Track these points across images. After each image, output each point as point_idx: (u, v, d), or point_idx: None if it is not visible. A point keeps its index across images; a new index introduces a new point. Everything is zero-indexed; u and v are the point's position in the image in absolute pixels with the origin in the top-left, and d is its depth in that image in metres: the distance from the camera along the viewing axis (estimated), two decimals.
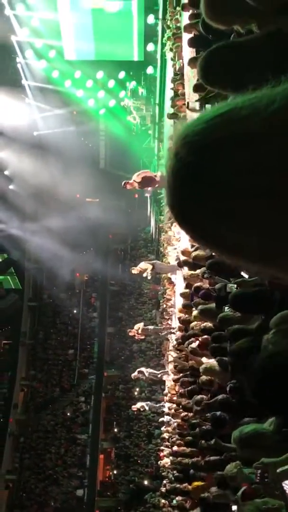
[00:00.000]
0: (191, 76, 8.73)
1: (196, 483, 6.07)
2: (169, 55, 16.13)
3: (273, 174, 0.66)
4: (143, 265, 13.64)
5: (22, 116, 28.92)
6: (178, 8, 13.31)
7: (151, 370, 18.18)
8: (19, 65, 28.42)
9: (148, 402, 19.65)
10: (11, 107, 27.92)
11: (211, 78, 1.83)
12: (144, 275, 13.62)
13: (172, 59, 14.60)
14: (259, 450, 2.99)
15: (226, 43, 1.62)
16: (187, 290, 8.27)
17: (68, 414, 31.35)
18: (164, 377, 16.62)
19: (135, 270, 13.73)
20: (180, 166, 0.72)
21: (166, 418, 13.82)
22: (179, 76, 12.78)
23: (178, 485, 8.99)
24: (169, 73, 17.83)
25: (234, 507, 3.32)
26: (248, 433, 2.97)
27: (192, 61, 7.32)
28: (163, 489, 14.86)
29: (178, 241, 14.03)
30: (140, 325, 15.30)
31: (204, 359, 6.59)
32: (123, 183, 11.05)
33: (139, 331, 15.27)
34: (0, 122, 28.39)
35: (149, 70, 27.05)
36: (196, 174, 0.71)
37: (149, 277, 14.01)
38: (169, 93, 17.43)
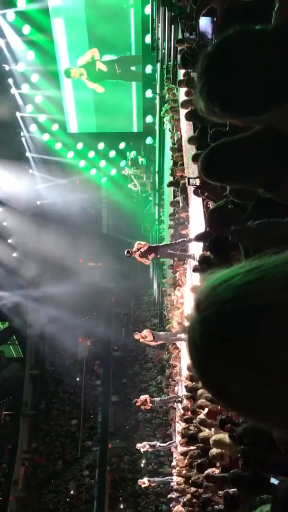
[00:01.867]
0: (189, 147, 9.09)
1: None
2: (167, 126, 16.90)
3: None
4: (146, 333, 13.39)
5: (26, 186, 29.85)
6: (174, 86, 14.10)
7: (157, 443, 17.38)
8: (23, 139, 29.72)
9: (154, 478, 18.64)
10: (15, 179, 28.88)
11: (213, 176, 1.94)
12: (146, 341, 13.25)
13: (170, 131, 15.25)
14: None
15: (225, 141, 1.72)
16: None
17: (72, 490, 29.70)
18: (172, 449, 15.90)
19: (137, 336, 13.48)
20: (208, 332, 0.71)
21: (174, 495, 13.06)
22: (177, 146, 13.32)
23: None
24: (168, 143, 18.60)
25: None
26: None
27: (191, 140, 7.67)
28: None
29: (181, 305, 13.96)
30: (146, 397, 14.80)
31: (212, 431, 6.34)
32: (126, 252, 11.07)
33: (146, 404, 14.74)
34: (5, 192, 29.25)
35: (148, 140, 28.29)
36: (226, 343, 0.69)
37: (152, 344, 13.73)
38: (168, 161, 18.09)
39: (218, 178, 1.93)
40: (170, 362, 18.27)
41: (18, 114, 28.46)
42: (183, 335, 11.64)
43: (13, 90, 27.22)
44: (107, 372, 34.78)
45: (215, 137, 3.96)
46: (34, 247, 30.86)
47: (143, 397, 14.87)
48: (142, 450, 16.51)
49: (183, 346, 13.75)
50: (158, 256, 11.46)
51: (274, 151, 1.54)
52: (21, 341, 35.61)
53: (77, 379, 35.00)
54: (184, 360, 13.53)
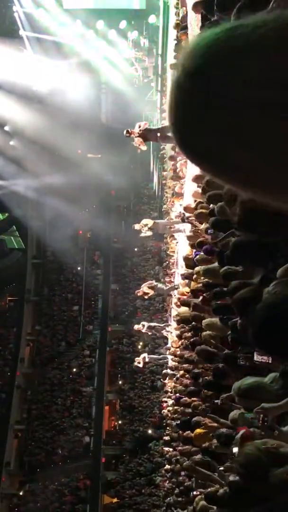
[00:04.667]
0: (195, 24, 8.40)
1: (198, 430, 6.28)
2: (172, 2, 15.49)
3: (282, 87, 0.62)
4: (145, 221, 13.58)
5: (21, 68, 28.07)
6: None
7: (155, 324, 18.43)
8: (16, 15, 27.38)
9: (151, 355, 20.00)
10: (8, 59, 27.05)
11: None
12: (142, 230, 13.45)
13: (175, 7, 14.02)
14: (259, 402, 3.09)
15: None
16: (190, 252, 8.31)
17: (74, 368, 32.17)
18: (167, 333, 16.89)
19: (137, 226, 13.69)
20: (185, 77, 0.67)
21: (169, 371, 14.17)
22: (182, 23, 12.30)
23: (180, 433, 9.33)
24: (172, 22, 17.17)
25: (235, 449, 3.48)
26: (249, 384, 3.08)
27: (195, 6, 7.02)
28: (166, 438, 15.46)
29: (181, 197, 13.94)
30: (147, 284, 15.49)
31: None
32: (125, 131, 10.80)
33: (145, 290, 15.42)
34: None
35: (151, 19, 26.08)
36: (203, 84, 0.65)
37: (148, 234, 13.93)
38: (172, 43, 16.85)
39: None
40: (167, 252, 18.73)
41: None
42: (181, 225, 11.80)
43: None
44: (107, 262, 35.82)
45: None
46: (32, 135, 29.88)
47: (144, 285, 15.55)
48: (142, 330, 17.49)
49: (180, 237, 14.00)
50: (159, 139, 11.10)
51: None
52: (22, 231, 36.07)
53: (78, 268, 36.13)
54: (181, 250, 13.85)
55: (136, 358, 18.81)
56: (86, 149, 34.76)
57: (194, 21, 8.76)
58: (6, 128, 31.19)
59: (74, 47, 29.08)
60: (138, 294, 16.20)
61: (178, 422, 9.74)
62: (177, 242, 16.07)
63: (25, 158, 31.95)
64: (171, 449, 13.70)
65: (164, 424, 16.98)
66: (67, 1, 27.22)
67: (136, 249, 34.82)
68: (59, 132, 29.20)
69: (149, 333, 18.89)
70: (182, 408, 9.06)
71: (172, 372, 13.63)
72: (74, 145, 31.64)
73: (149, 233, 13.60)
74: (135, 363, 18.57)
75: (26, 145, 30.92)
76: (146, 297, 15.68)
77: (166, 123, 16.17)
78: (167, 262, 20.13)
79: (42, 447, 29.76)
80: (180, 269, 12.48)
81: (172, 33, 16.59)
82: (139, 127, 10.40)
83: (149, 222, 13.44)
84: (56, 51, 29.18)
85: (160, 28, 24.40)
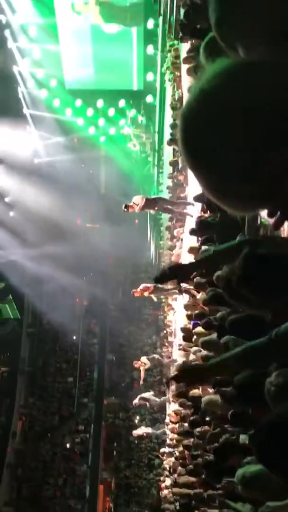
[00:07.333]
0: None
1: None
2: (168, 84, 16.45)
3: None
4: (143, 285, 13.58)
5: (23, 144, 29.28)
6: (176, 42, 13.62)
7: (153, 397, 17.90)
8: (20, 95, 28.95)
9: (150, 429, 19.28)
10: (12, 136, 28.29)
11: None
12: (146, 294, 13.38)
13: (172, 89, 14.87)
14: (263, 491, 2.89)
15: None
16: (188, 323, 8.20)
17: (67, 443, 30.75)
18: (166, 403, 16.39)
19: (137, 294, 13.68)
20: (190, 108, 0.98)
21: (167, 449, 13.53)
22: (178, 105, 13.00)
23: None
24: (168, 102, 18.16)
25: None
26: (254, 473, 2.88)
27: (191, 90, 7.43)
28: None
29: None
30: (143, 358, 15.25)
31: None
32: (123, 206, 11.12)
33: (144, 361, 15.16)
34: (2, 150, 28.70)
35: (149, 99, 27.61)
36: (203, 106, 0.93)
37: (155, 299, 13.95)
38: (168, 121, 17.73)
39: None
40: (165, 322, 18.53)
41: (15, 69, 27.61)
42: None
43: (11, 43, 26.33)
44: (104, 331, 35.35)
45: None
46: (32, 206, 30.61)
47: (143, 358, 15.29)
48: (139, 404, 17.02)
49: (178, 307, 13.90)
50: (156, 208, 11.45)
51: None
52: (19, 300, 35.87)
53: (74, 337, 35.56)
54: (178, 320, 13.70)
55: (134, 431, 18.21)
56: (85, 219, 35.46)
57: None
58: (7, 199, 32.00)
59: (75, 124, 30.52)
60: (136, 366, 15.86)
61: (177, 505, 9.18)
62: (174, 312, 15.94)
63: (24, 229, 32.48)
64: None
65: (162, 508, 15.94)
66: (69, 82, 28.89)
67: (133, 318, 34.52)
68: (58, 203, 29.95)
69: (147, 405, 18.36)
70: (181, 489, 8.56)
71: (170, 449, 13.00)
72: (73, 216, 32.31)
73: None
74: (134, 433, 18.02)
75: (26, 215, 31.55)
76: (142, 369, 15.27)
77: (163, 194, 16.64)
78: (164, 331, 19.86)
79: None
80: (178, 340, 12.27)
81: (168, 111, 17.52)
82: (136, 204, 10.72)
83: (147, 285, 13.44)
84: (58, 128, 30.61)
85: (157, 107, 25.79)
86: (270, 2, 1.13)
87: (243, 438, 3.89)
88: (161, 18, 19.49)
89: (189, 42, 8.43)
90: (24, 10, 25.22)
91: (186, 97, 10.09)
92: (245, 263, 2.01)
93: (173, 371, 13.52)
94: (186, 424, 8.09)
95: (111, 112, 29.62)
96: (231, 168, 0.89)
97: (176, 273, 3.47)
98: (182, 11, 9.94)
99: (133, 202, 10.88)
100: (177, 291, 12.30)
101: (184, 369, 3.27)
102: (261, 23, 1.15)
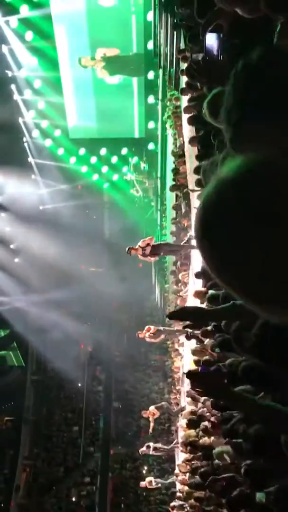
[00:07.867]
0: (192, 154, 9.06)
1: None
2: (169, 132, 16.91)
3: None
4: (148, 327, 13.48)
5: (29, 191, 29.90)
6: (176, 92, 14.10)
7: (160, 445, 17.35)
8: (26, 144, 29.80)
9: (158, 479, 18.57)
10: (18, 184, 28.95)
11: None
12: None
13: (173, 137, 15.26)
14: None
15: None
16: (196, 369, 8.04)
17: (73, 497, 29.52)
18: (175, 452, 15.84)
19: (142, 335, 13.56)
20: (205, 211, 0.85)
21: (177, 502, 12.95)
22: (179, 152, 13.32)
23: None
24: (169, 148, 18.62)
25: None
26: None
27: (192, 140, 7.64)
28: None
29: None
30: (152, 407, 14.93)
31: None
32: (127, 249, 11.20)
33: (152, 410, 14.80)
34: (8, 197, 29.31)
35: (150, 146, 28.38)
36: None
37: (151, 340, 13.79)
38: (170, 166, 18.11)
39: None
40: (172, 368, 18.21)
41: (20, 120, 28.58)
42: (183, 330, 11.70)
43: (16, 96, 27.41)
44: (109, 378, 34.66)
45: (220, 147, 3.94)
46: (36, 252, 30.86)
47: (152, 407, 14.98)
48: (145, 452, 16.52)
49: (184, 352, 13.70)
50: (162, 253, 11.55)
51: None
52: (23, 347, 35.48)
53: (79, 384, 34.85)
54: (186, 365, 13.46)
55: (142, 482, 17.56)
56: (89, 263, 35.59)
57: (190, 151, 9.48)
58: (12, 246, 32.31)
59: (79, 171, 31.23)
60: (145, 416, 15.49)
61: None
62: (181, 358, 15.69)
63: (29, 275, 32.59)
64: None
65: None
66: (73, 131, 29.77)
67: (139, 363, 33.95)
68: (63, 248, 30.19)
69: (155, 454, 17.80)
70: None
71: (180, 502, 12.46)
72: (77, 260, 32.47)
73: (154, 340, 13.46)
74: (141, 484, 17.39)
75: (31, 261, 31.75)
76: (152, 419, 14.87)
77: (169, 239, 16.77)
78: (171, 378, 19.46)
79: None
80: (186, 386, 12.01)
81: (170, 157, 17.92)
82: (142, 247, 10.76)
83: (152, 329, 13.34)
84: (62, 175, 31.32)
85: (158, 154, 26.45)
86: None
87: (259, 496, 3.70)
88: (161, 70, 20.32)
89: (189, 94, 8.72)
90: (29, 65, 26.35)
91: (187, 146, 10.34)
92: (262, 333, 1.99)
93: (181, 419, 13.15)
94: (197, 476, 7.79)
95: (114, 159, 30.40)
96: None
97: (195, 318, 3.38)
98: (181, 64, 10.37)
99: (139, 245, 10.96)
100: (181, 333, 12.21)
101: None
102: None
